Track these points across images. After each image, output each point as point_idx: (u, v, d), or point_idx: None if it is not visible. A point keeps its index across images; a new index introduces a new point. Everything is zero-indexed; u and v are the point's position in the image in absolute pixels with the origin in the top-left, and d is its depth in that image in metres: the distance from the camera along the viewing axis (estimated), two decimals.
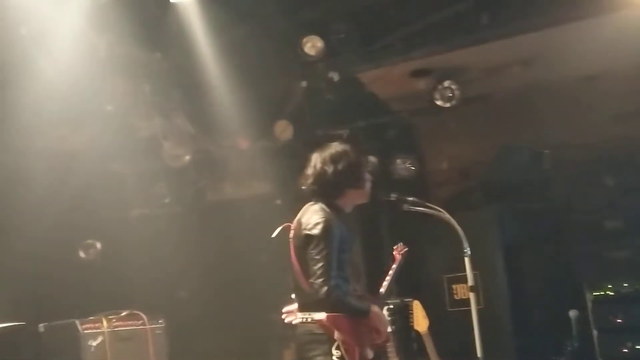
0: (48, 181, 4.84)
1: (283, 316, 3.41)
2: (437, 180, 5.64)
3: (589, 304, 4.76)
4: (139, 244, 5.28)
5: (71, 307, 4.70)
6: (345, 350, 3.18)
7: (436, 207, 3.53)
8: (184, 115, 5.07)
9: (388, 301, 3.85)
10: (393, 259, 3.89)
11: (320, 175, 3.44)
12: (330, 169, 3.42)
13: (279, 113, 5.21)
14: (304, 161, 3.58)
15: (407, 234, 4.13)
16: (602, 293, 4.77)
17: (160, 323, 4.64)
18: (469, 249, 3.43)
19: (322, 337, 3.22)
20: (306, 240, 3.28)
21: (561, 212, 5.21)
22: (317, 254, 3.19)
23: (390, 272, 3.79)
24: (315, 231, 3.24)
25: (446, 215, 3.47)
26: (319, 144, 3.76)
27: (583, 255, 4.99)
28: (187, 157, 5.34)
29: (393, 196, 3.64)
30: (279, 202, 5.44)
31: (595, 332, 4.69)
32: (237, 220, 5.59)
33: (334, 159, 3.45)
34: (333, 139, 5.06)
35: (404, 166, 5.11)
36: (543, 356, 4.36)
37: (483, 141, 5.33)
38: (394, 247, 3.94)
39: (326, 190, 3.43)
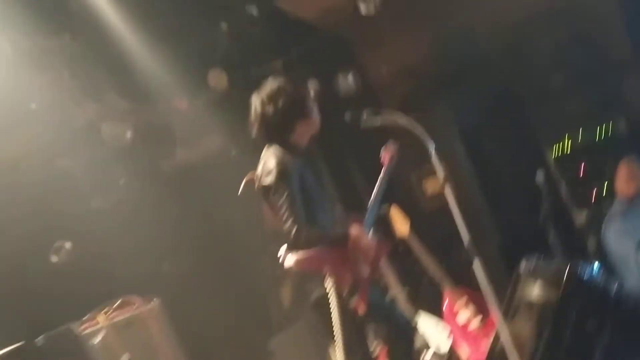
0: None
1: (280, 260, 3.44)
2: (384, 85, 5.61)
3: (552, 163, 4.93)
4: (109, 233, 5.16)
5: (62, 313, 4.64)
6: (335, 279, 3.25)
7: (398, 114, 3.51)
8: (113, 92, 4.90)
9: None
10: (382, 164, 3.81)
11: (264, 118, 3.41)
12: (271, 108, 3.38)
13: (208, 63, 5.08)
14: (247, 105, 3.53)
15: (369, 145, 4.12)
16: (561, 151, 4.94)
17: (155, 301, 4.62)
18: (434, 145, 3.44)
19: (311, 272, 3.28)
20: (266, 190, 3.28)
21: (507, 82, 5.28)
22: (278, 201, 3.21)
23: (381, 176, 3.73)
24: (271, 178, 3.25)
25: (405, 120, 3.46)
26: (256, 83, 3.70)
27: (537, 118, 5.13)
28: (129, 134, 5.21)
29: (347, 116, 3.61)
30: (233, 152, 5.38)
31: (563, 186, 4.88)
32: (198, 182, 5.51)
33: (273, 97, 3.40)
34: (268, 73, 5.07)
35: (346, 81, 5.07)
36: (523, 223, 4.51)
37: (418, 36, 5.30)
38: (382, 149, 3.85)
39: (274, 130, 3.40)
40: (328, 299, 3.23)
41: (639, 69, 4.91)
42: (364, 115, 3.57)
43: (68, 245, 5.58)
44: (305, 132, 3.50)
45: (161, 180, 5.63)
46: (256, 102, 3.46)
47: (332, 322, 3.23)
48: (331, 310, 3.22)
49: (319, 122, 3.53)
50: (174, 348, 4.53)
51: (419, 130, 3.43)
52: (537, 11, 5.07)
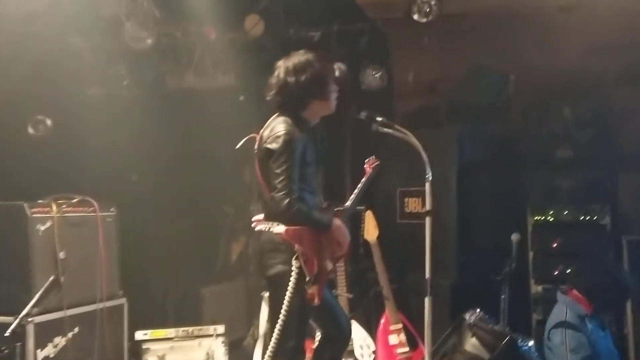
0: (7, 44, 4.57)
1: (253, 224, 3.44)
2: (403, 92, 5.61)
3: (530, 228, 4.98)
4: (94, 126, 5.10)
5: (18, 186, 4.59)
6: (305, 261, 3.26)
7: (404, 130, 3.52)
8: None
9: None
10: (364, 172, 3.90)
11: (283, 86, 3.40)
12: (293, 79, 3.37)
13: (251, 6, 5.01)
14: (272, 59, 3.51)
15: (368, 145, 4.14)
16: (543, 218, 4.98)
17: (112, 211, 4.59)
18: (431, 174, 3.46)
19: (283, 246, 3.29)
20: (267, 154, 3.29)
21: (517, 137, 5.34)
22: (277, 168, 3.22)
23: (360, 185, 3.82)
24: (275, 145, 3.25)
25: (413, 140, 3.47)
26: (289, 43, 3.67)
27: (531, 181, 5.17)
28: (150, 41, 5.12)
29: (363, 114, 3.61)
30: (242, 98, 5.33)
31: (531, 254, 4.94)
32: (197, 110, 5.46)
33: (298, 69, 3.39)
34: (304, 40, 5.03)
35: (373, 76, 5.05)
36: (483, 273, 4.56)
37: (453, 59, 5.29)
38: (366, 160, 3.95)
39: (290, 101, 3.40)
40: (288, 278, 3.24)
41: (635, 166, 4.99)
42: (379, 121, 3.57)
43: (48, 122, 5.54)
44: (318, 112, 3.51)
45: (162, 95, 5.58)
46: (281, 68, 3.45)
47: (281, 301, 3.24)
48: (288, 289, 3.24)
49: (334, 107, 3.53)
50: (112, 261, 4.53)
51: (422, 152, 3.45)
52: (568, 82, 5.12)
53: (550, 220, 4.97)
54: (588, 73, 5.11)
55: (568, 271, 4.79)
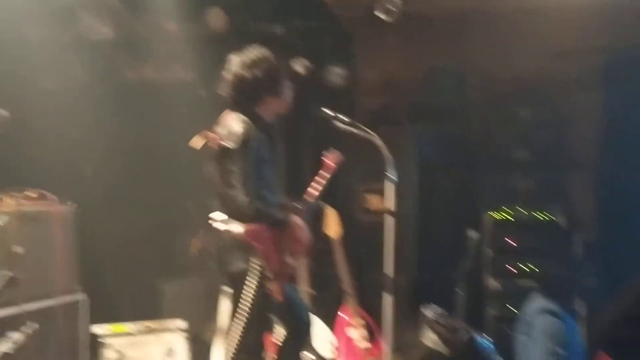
0: None
1: (211, 222, 3.43)
2: (365, 91, 5.65)
3: (486, 226, 5.09)
4: (49, 119, 4.98)
5: None
6: (265, 259, 3.28)
7: (367, 130, 3.55)
8: None
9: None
10: (324, 166, 3.89)
11: (237, 81, 3.40)
12: (248, 74, 3.37)
13: (213, 1, 4.97)
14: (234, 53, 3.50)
15: (328, 143, 4.15)
16: (499, 217, 5.10)
17: (70, 205, 4.51)
18: (393, 174, 3.50)
19: (243, 244, 3.29)
20: (223, 153, 3.28)
21: (475, 138, 5.44)
22: (233, 166, 3.21)
23: (320, 179, 3.82)
24: (232, 143, 3.25)
25: (376, 140, 3.51)
26: (250, 38, 3.66)
27: (489, 181, 5.28)
28: (107, 32, 5.03)
29: (326, 112, 3.63)
30: (202, 92, 5.29)
31: (488, 252, 5.05)
32: (156, 104, 5.37)
33: (253, 65, 3.40)
34: (266, 35, 5.01)
35: (335, 74, 5.07)
36: (442, 270, 4.65)
37: (414, 59, 5.35)
38: (325, 154, 3.93)
39: (244, 97, 3.40)
40: (249, 276, 3.25)
41: (591, 169, 5.14)
42: (342, 120, 3.59)
43: (4, 112, 5.38)
44: (273, 108, 3.51)
45: (119, 88, 5.49)
46: (235, 62, 3.44)
47: (242, 297, 3.25)
48: (247, 286, 3.24)
49: (289, 105, 3.54)
50: (70, 256, 4.46)
51: (385, 151, 3.49)
52: (526, 84, 5.24)
53: (506, 218, 5.09)
54: (545, 76, 5.24)
55: (523, 267, 4.92)
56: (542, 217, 5.01)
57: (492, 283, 4.98)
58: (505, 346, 4.04)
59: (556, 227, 4.94)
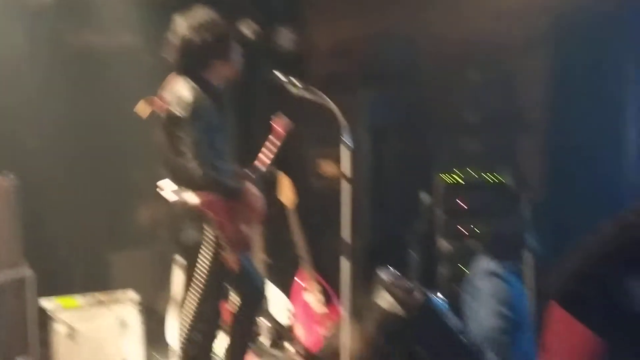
0: None
1: (159, 190, 3.36)
2: (317, 55, 5.58)
3: (438, 188, 5.14)
4: None
5: None
6: (219, 228, 3.24)
7: (322, 95, 3.51)
8: None
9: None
10: (275, 133, 3.85)
11: (184, 45, 3.32)
12: (195, 38, 3.29)
13: None
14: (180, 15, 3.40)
15: (280, 108, 4.10)
16: (450, 179, 5.16)
17: (11, 179, 4.33)
18: (349, 139, 3.48)
19: (196, 214, 3.25)
20: (173, 120, 3.20)
21: (426, 102, 5.45)
22: (184, 134, 3.15)
23: (272, 147, 3.77)
24: (182, 111, 3.18)
25: (331, 104, 3.48)
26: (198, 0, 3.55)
27: (440, 144, 5.32)
28: None
29: (278, 76, 3.57)
30: (149, 58, 5.12)
31: (439, 213, 5.12)
32: (99, 70, 5.17)
33: (200, 28, 3.31)
34: None
35: (287, 37, 4.99)
36: (395, 233, 4.69)
37: (366, 23, 5.30)
38: (274, 119, 3.88)
39: (191, 62, 3.32)
40: (203, 246, 3.20)
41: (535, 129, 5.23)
42: (294, 82, 3.54)
43: None
44: (221, 73, 3.44)
45: (62, 55, 5.27)
46: (181, 25, 3.35)
47: (197, 267, 3.21)
48: (202, 256, 3.20)
49: (239, 69, 3.47)
50: (14, 229, 4.31)
51: (340, 116, 3.46)
52: (475, 47, 5.27)
53: (457, 181, 5.15)
54: (494, 38, 5.25)
55: (474, 229, 4.99)
56: (492, 179, 5.09)
57: (444, 244, 5.06)
58: (459, 305, 4.12)
59: (505, 189, 5.03)
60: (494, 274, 3.94)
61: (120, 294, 4.55)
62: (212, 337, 3.41)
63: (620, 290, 1.66)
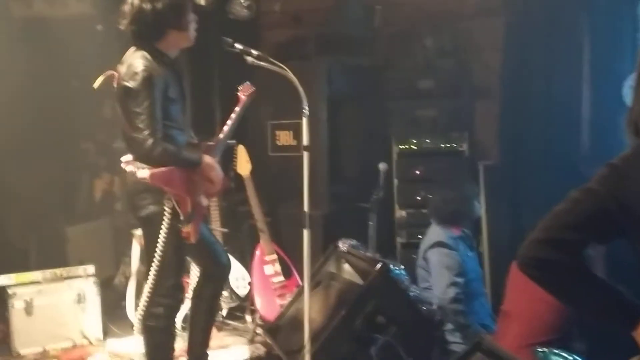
0: None
1: (122, 165, 3.31)
2: (271, 23, 5.51)
3: (395, 157, 5.17)
4: None
5: None
6: (177, 201, 3.22)
7: (280, 65, 3.47)
8: None
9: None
10: (237, 101, 3.80)
11: (137, 14, 3.24)
12: (148, 7, 3.21)
13: None
14: None
15: (237, 78, 4.06)
16: (407, 147, 5.18)
17: None
18: (307, 109, 3.47)
19: (154, 187, 3.21)
20: (125, 92, 3.14)
21: (381, 69, 5.44)
22: (137, 107, 3.09)
23: (233, 115, 3.72)
24: (133, 82, 3.11)
25: (289, 74, 3.44)
26: None
27: (396, 112, 5.33)
28: None
29: (236, 46, 3.51)
30: (99, 27, 4.99)
31: (396, 182, 5.16)
32: (48, 41, 5.01)
33: None
34: None
35: (241, 5, 4.89)
36: (353, 203, 4.71)
37: None
38: (239, 88, 3.84)
39: (145, 31, 3.25)
40: (161, 218, 3.17)
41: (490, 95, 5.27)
42: (254, 54, 3.49)
43: None
44: (176, 43, 3.38)
45: (6, 25, 5.08)
46: None
47: (155, 241, 3.18)
48: (161, 230, 3.17)
49: (193, 38, 3.42)
50: None
51: (299, 87, 3.43)
52: (429, 13, 5.26)
53: (413, 148, 5.17)
54: (447, 4, 5.27)
55: (427, 195, 5.03)
56: (447, 146, 5.12)
57: (400, 212, 5.12)
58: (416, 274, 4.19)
59: (460, 156, 5.08)
60: (440, 245, 4.00)
61: (77, 268, 4.50)
62: (174, 311, 3.40)
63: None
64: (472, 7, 5.27)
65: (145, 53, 3.20)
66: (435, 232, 4.12)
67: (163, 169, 3.15)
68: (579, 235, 1.74)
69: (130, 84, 3.11)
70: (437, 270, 3.94)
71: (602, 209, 1.72)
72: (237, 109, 3.77)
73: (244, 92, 3.83)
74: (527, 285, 1.90)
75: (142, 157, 3.16)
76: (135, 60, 3.17)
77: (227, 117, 3.75)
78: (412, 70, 5.31)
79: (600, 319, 1.80)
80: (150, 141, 3.06)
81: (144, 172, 3.16)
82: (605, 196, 1.72)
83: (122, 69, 3.20)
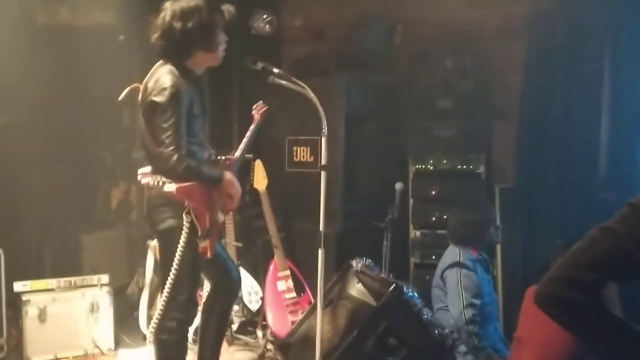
0: None
1: (139, 177, 3.33)
2: (292, 39, 5.54)
3: (411, 176, 5.16)
4: None
5: None
6: (196, 216, 3.23)
7: (301, 84, 3.49)
8: None
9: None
10: (252, 119, 3.85)
11: (168, 31, 3.26)
12: (178, 25, 3.24)
13: None
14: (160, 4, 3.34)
15: (256, 94, 4.08)
16: (423, 167, 5.17)
17: None
18: (326, 129, 3.47)
19: (173, 201, 3.23)
20: (152, 107, 3.17)
21: (401, 87, 5.45)
22: (164, 122, 3.11)
23: (248, 133, 3.77)
24: (161, 98, 3.13)
25: (310, 94, 3.46)
26: None
27: (414, 131, 5.33)
28: None
29: (259, 65, 3.54)
30: (121, 38, 5.04)
31: (411, 201, 5.15)
32: (71, 49, 5.07)
33: (185, 15, 3.25)
34: None
35: (263, 22, 4.92)
36: (367, 221, 4.69)
37: (342, 6, 5.26)
38: (254, 107, 3.89)
39: (174, 49, 3.28)
40: (179, 232, 3.19)
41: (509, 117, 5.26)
42: (276, 73, 3.51)
43: None
44: (203, 62, 3.41)
45: (31, 33, 5.14)
46: (168, 10, 3.29)
47: (172, 254, 3.19)
48: (179, 244, 3.19)
49: (221, 58, 3.44)
50: None
51: (318, 106, 3.44)
52: (450, 33, 5.27)
53: (430, 169, 5.16)
54: (469, 25, 5.27)
55: (444, 216, 5.02)
56: (464, 167, 5.11)
57: (415, 232, 5.11)
58: (430, 296, 4.17)
59: (477, 178, 5.06)
60: (458, 265, 3.99)
61: (91, 277, 4.52)
62: (187, 326, 3.41)
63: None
64: (494, 29, 5.27)
65: (172, 68, 3.23)
66: (453, 253, 4.11)
67: (188, 183, 3.18)
68: (598, 275, 1.72)
69: (158, 98, 3.14)
70: (454, 290, 3.93)
71: (622, 249, 1.71)
72: (251, 127, 3.81)
73: (257, 110, 3.87)
74: (541, 313, 1.89)
75: (167, 172, 3.18)
76: (163, 76, 3.19)
77: (244, 133, 3.79)
78: (431, 90, 5.31)
79: (620, 357, 1.79)
80: (175, 157, 3.08)
81: (171, 187, 3.18)
82: (625, 236, 1.71)
83: (150, 83, 3.23)
